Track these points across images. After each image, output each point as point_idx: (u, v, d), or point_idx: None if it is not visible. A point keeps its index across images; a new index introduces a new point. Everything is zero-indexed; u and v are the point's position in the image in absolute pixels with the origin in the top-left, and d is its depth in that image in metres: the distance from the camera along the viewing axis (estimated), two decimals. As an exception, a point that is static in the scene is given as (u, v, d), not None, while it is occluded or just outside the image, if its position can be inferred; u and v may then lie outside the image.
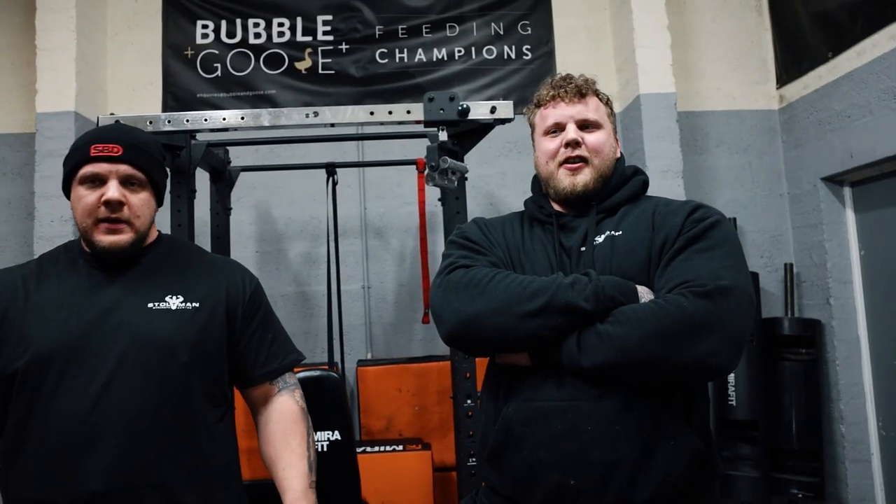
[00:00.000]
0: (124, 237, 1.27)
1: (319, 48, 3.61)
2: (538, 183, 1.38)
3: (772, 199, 3.59)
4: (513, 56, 3.63)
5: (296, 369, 2.38)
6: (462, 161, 2.38)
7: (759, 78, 3.68)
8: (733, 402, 3.06)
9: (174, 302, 1.30)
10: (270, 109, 2.44)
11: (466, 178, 2.42)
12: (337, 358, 2.97)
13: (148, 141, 1.36)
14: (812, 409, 3.14)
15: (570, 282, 1.12)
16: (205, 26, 3.57)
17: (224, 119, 2.38)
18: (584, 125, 1.28)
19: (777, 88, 3.66)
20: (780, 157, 3.63)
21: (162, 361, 1.24)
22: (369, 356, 3.38)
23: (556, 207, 1.32)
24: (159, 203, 1.39)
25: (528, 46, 3.63)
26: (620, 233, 1.22)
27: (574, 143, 1.26)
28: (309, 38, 3.62)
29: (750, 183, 3.60)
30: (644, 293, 1.13)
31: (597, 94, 1.32)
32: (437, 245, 3.28)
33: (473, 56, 3.62)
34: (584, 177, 1.26)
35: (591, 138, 1.27)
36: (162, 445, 1.21)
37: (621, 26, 3.49)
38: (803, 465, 3.07)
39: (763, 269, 3.47)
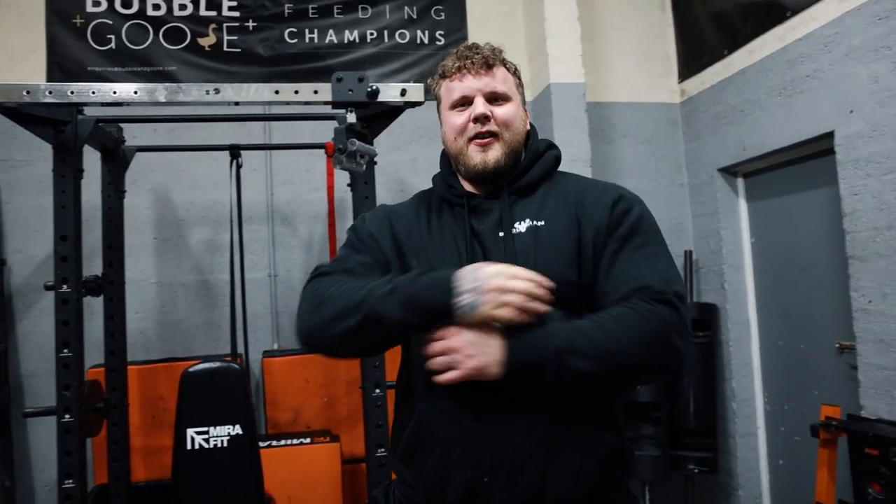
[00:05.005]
0: None
1: (225, 24, 3.42)
2: (447, 158, 1.31)
3: (673, 189, 3.75)
4: (426, 41, 3.58)
5: (195, 361, 2.27)
6: (371, 145, 2.32)
7: (663, 72, 3.82)
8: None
9: None
10: (168, 84, 2.28)
11: (376, 163, 2.37)
12: (242, 349, 2.85)
13: None
14: (708, 388, 3.32)
15: (387, 290, 1.05)
16: (96, -7, 3.30)
17: (115, 93, 2.21)
18: (493, 97, 1.21)
19: (679, 83, 3.81)
20: (680, 148, 3.79)
21: None
22: (276, 347, 3.27)
23: (467, 186, 1.26)
24: None
25: (441, 32, 3.59)
26: (543, 223, 1.17)
27: (483, 118, 1.19)
28: (213, 13, 3.43)
29: (654, 173, 3.74)
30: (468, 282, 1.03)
31: (504, 63, 1.25)
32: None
33: (386, 39, 3.55)
34: (495, 152, 1.20)
35: (501, 111, 1.21)
36: None
37: (533, 15, 3.52)
38: (699, 442, 3.24)
39: (665, 257, 3.62)
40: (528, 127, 1.29)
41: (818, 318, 3.00)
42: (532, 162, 1.24)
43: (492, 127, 1.20)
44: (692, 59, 3.67)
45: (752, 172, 3.42)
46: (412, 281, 1.06)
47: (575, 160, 3.20)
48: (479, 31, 3.61)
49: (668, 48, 3.84)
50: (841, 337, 2.80)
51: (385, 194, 3.18)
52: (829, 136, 2.71)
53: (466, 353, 1.02)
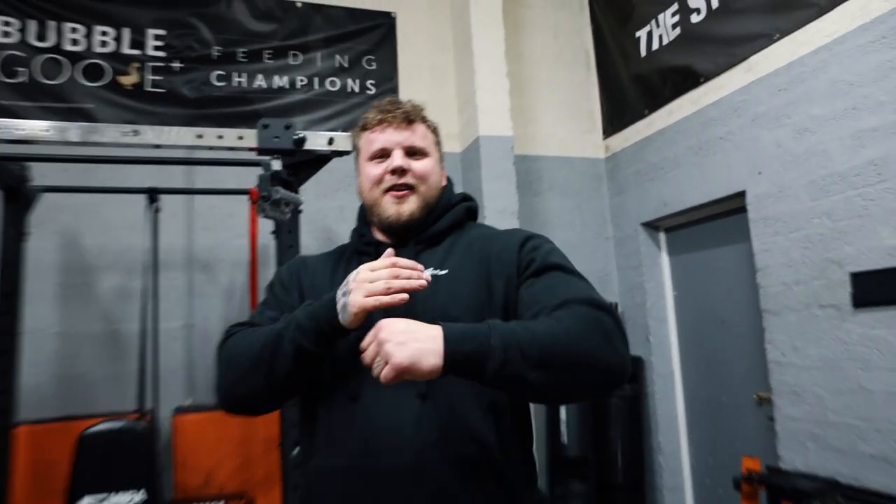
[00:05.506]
0: None
1: (148, 63, 3.32)
2: (363, 211, 1.33)
3: (599, 242, 3.84)
4: (356, 90, 3.58)
5: (97, 420, 2.09)
6: (297, 192, 2.26)
7: (588, 128, 3.96)
8: (565, 441, 3.16)
9: None
10: (81, 123, 2.19)
11: (301, 211, 2.31)
12: (151, 405, 2.65)
13: None
14: (635, 442, 3.33)
15: (286, 322, 1.07)
16: (7, 23, 3.13)
17: (23, 130, 2.09)
18: (411, 152, 1.24)
19: (603, 139, 3.95)
20: (606, 202, 3.90)
21: None
22: (189, 402, 3.06)
23: (379, 236, 1.27)
24: None
25: (373, 81, 3.61)
26: (446, 272, 1.17)
27: (400, 171, 1.22)
28: (137, 52, 3.32)
29: (580, 225, 3.82)
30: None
31: (424, 121, 1.28)
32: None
33: (316, 87, 3.53)
34: (410, 205, 1.22)
35: (418, 165, 1.24)
36: None
37: (463, 69, 3.59)
38: (628, 497, 3.23)
39: (591, 308, 3.67)
40: (445, 182, 1.32)
41: (738, 370, 3.09)
42: (442, 213, 1.27)
43: (408, 180, 1.22)
44: (616, 116, 3.82)
45: (673, 227, 3.55)
46: (304, 307, 1.07)
47: (503, 212, 3.23)
48: (410, 82, 3.65)
49: (594, 105, 3.99)
50: (759, 388, 2.89)
51: (311, 242, 3.10)
52: (742, 195, 2.85)
53: (398, 340, 0.90)
